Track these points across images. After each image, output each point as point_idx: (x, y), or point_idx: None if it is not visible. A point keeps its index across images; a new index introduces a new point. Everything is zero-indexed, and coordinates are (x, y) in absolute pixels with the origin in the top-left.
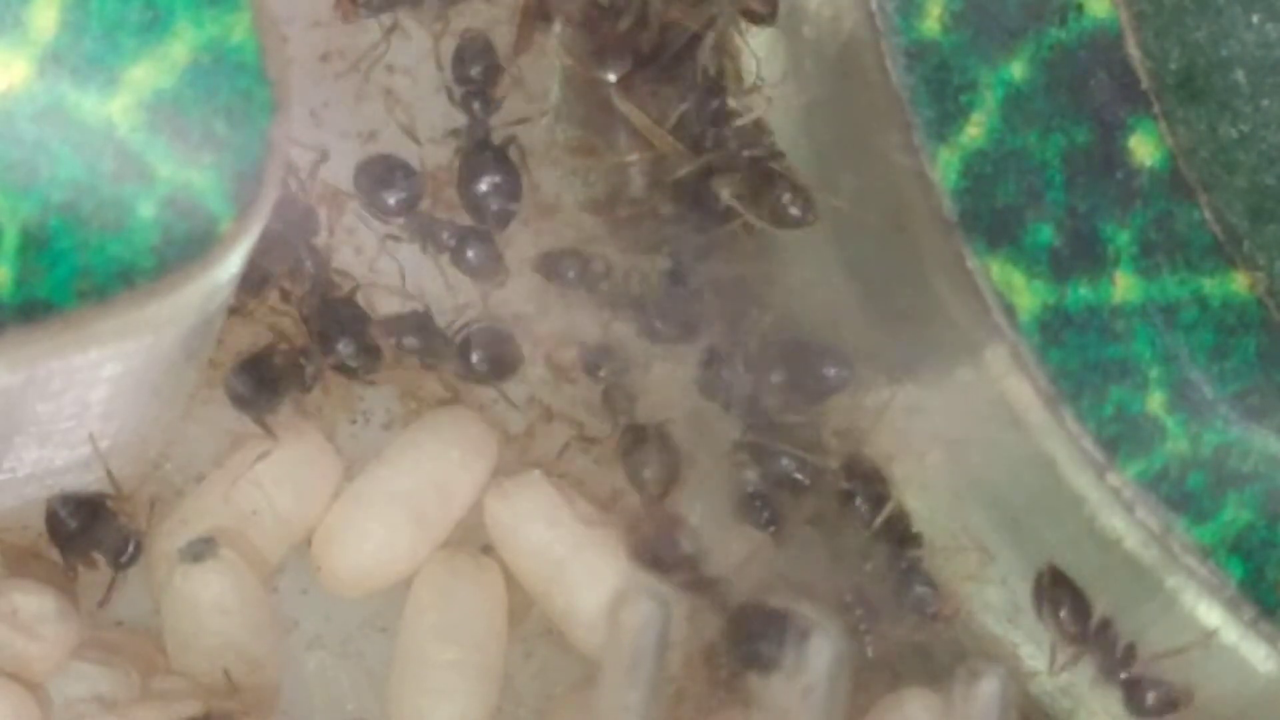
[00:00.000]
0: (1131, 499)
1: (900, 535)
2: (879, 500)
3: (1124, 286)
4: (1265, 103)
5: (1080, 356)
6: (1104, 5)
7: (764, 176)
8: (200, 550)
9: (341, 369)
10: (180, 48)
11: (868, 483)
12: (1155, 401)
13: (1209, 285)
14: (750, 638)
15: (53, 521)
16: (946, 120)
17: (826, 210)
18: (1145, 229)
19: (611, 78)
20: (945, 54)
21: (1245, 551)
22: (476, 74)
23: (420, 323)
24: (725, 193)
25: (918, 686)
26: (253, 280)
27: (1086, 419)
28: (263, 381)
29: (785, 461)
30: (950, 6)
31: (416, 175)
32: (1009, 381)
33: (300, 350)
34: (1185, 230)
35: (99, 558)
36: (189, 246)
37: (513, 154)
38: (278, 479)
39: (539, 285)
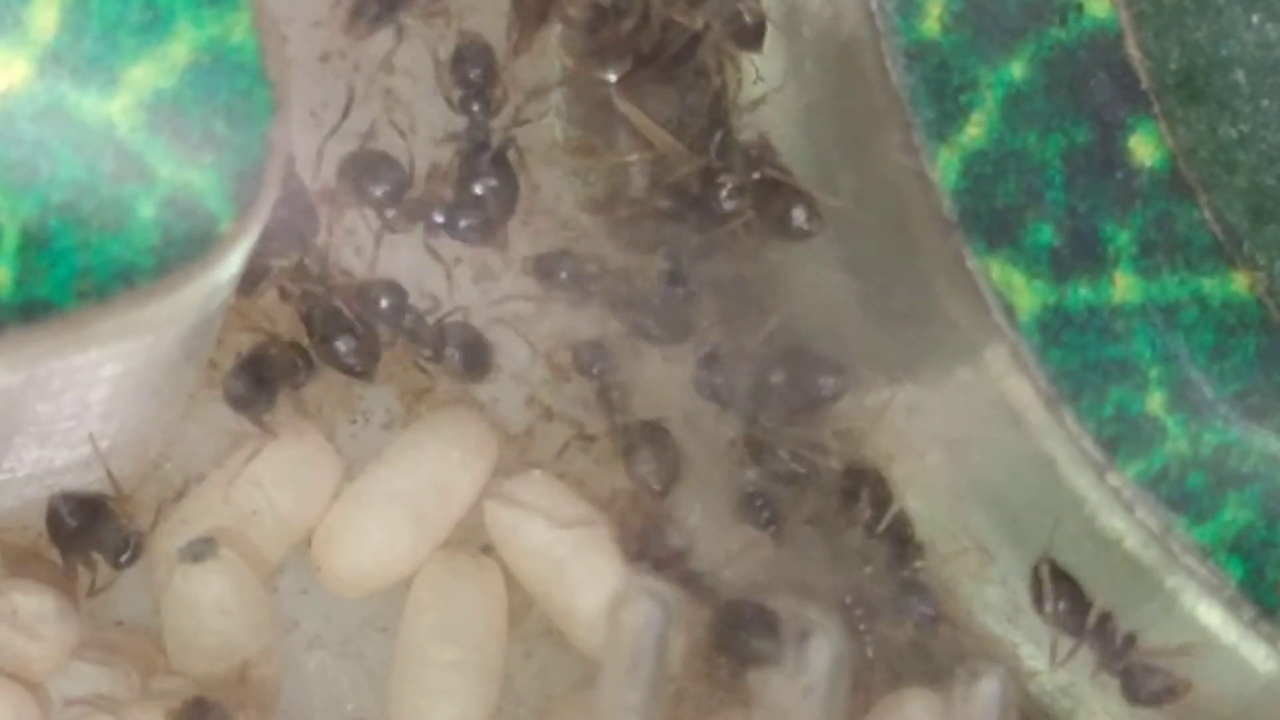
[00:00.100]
0: (1131, 499)
1: (901, 544)
2: (882, 507)
3: (1124, 286)
4: (1265, 103)
5: (1080, 356)
6: (1104, 5)
7: (770, 188)
8: (200, 550)
9: (341, 367)
10: (180, 48)
11: (872, 489)
12: (1155, 401)
13: (1209, 285)
14: (737, 632)
15: (53, 520)
16: (946, 120)
17: (826, 210)
18: (1145, 229)
19: (611, 78)
20: (945, 54)
21: (1245, 551)
22: (475, 76)
23: (397, 291)
24: (731, 205)
25: (918, 686)
26: (248, 280)
27: (1086, 419)
28: (260, 381)
29: (783, 456)
30: (950, 6)
31: (400, 166)
32: (1009, 381)
33: (293, 346)
34: (1185, 230)
35: (98, 558)
36: (189, 246)
37: (511, 156)
38: (278, 479)
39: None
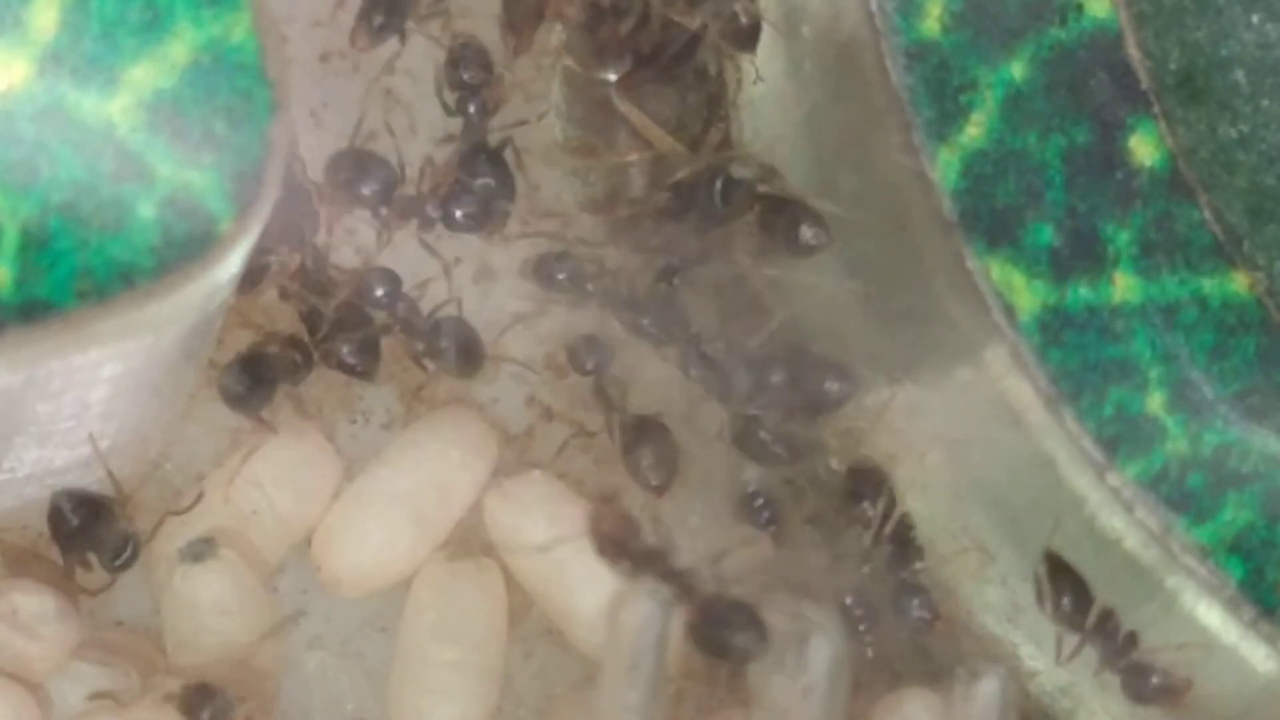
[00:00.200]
0: (1131, 499)
1: (903, 545)
2: (886, 509)
3: (1124, 286)
4: (1265, 103)
5: (1080, 356)
6: (1104, 5)
7: (774, 206)
8: (200, 550)
9: (342, 367)
10: (180, 48)
11: (876, 491)
12: (1155, 401)
13: (1209, 285)
14: (716, 629)
15: (55, 517)
16: (946, 120)
17: (826, 211)
18: (1145, 229)
19: (611, 78)
20: (945, 54)
21: (1245, 551)
22: (470, 77)
23: (391, 279)
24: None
25: (918, 686)
26: (248, 279)
27: (1086, 419)
28: (257, 379)
29: (780, 454)
30: (950, 6)
31: (388, 163)
32: (1009, 381)
33: (290, 341)
34: (1185, 230)
35: (94, 558)
36: (189, 246)
37: (509, 156)
38: (278, 479)
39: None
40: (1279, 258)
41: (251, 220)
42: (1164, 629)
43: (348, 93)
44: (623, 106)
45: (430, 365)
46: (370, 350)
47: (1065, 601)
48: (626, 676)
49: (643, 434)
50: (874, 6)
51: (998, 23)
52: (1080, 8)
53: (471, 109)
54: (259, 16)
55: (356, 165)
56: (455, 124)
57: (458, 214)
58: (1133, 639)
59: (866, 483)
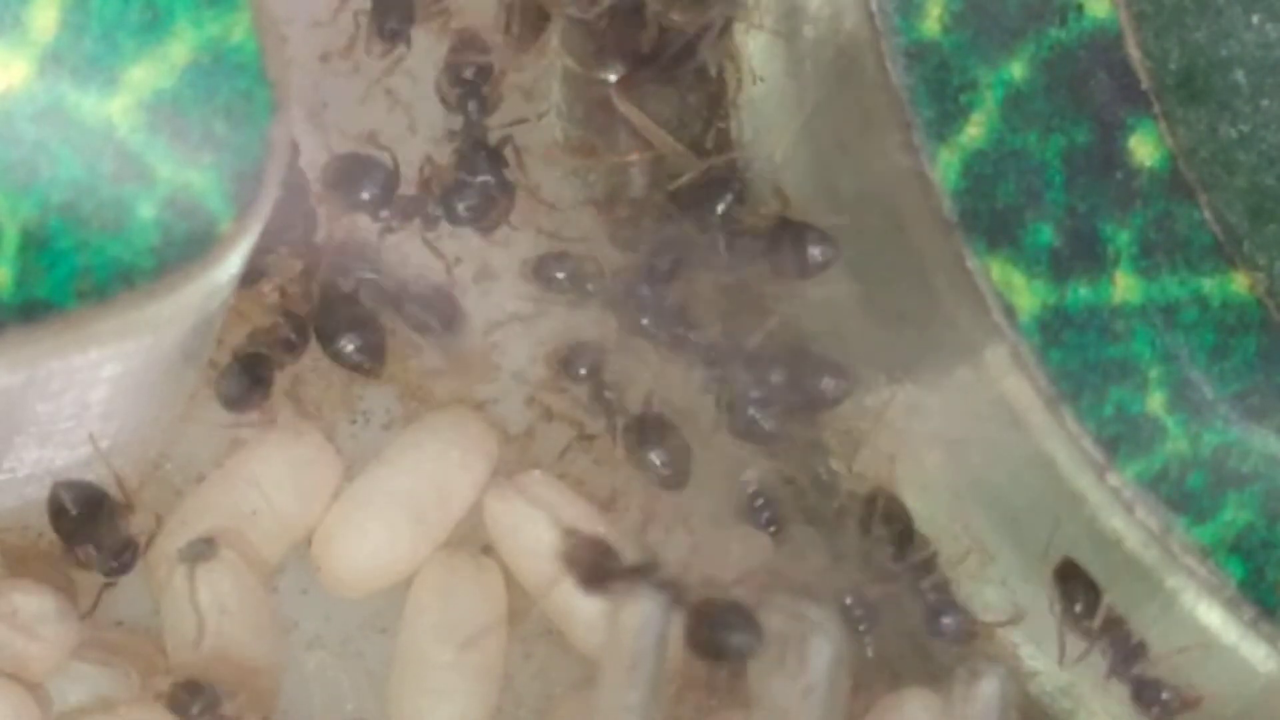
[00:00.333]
0: (1131, 499)
1: (918, 558)
2: (903, 541)
3: (1124, 286)
4: (1265, 103)
5: (1080, 356)
6: (1104, 5)
7: (779, 229)
8: (200, 550)
9: (342, 364)
10: (180, 48)
11: (889, 519)
12: (1155, 401)
13: (1209, 285)
14: (711, 631)
15: (55, 507)
16: (946, 120)
17: (826, 212)
18: (1145, 229)
19: (611, 78)
20: (945, 54)
21: (1245, 551)
22: (470, 75)
23: (370, 251)
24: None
25: (918, 686)
26: (248, 279)
27: (1086, 419)
28: (254, 379)
29: (771, 428)
30: (950, 6)
31: (383, 165)
32: (1009, 381)
33: (275, 332)
34: (1185, 230)
35: (92, 559)
36: (189, 246)
37: (508, 155)
38: (278, 479)
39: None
40: (1279, 258)
41: (251, 220)
42: (1164, 629)
43: (348, 93)
44: (623, 106)
45: (418, 339)
46: (377, 348)
47: (1078, 608)
48: (626, 676)
49: (647, 431)
50: (874, 6)
51: (998, 23)
52: (1080, 8)
53: (470, 106)
54: (259, 16)
55: (351, 170)
56: (455, 123)
57: (460, 208)
58: (1142, 649)
59: (879, 511)
